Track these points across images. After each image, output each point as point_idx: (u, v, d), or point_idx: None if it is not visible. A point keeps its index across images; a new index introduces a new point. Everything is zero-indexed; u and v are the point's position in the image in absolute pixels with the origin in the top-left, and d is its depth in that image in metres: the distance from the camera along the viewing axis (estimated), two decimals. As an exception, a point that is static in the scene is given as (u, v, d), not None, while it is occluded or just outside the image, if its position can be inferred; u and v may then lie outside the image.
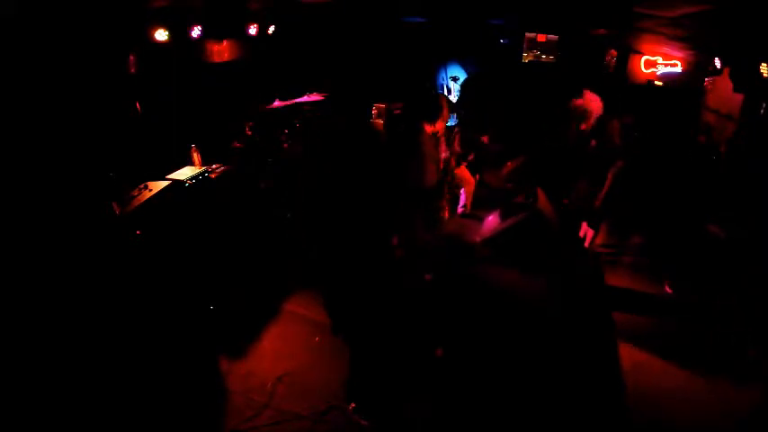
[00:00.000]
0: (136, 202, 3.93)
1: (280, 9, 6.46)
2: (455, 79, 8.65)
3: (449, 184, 5.73)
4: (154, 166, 4.58)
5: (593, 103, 4.48)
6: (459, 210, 6.16)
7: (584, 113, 4.49)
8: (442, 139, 5.19)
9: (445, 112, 3.92)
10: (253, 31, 6.09)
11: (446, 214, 5.87)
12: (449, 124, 7.63)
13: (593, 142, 4.81)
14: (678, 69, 6.47)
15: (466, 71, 8.71)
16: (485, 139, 6.16)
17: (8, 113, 3.38)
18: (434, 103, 3.89)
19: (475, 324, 4.09)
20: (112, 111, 4.55)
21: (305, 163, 5.99)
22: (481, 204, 6.08)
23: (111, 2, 4.10)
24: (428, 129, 3.90)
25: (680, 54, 6.32)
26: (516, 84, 8.06)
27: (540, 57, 8.12)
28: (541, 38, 8.03)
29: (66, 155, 3.76)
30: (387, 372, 3.48)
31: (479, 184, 6.39)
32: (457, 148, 5.71)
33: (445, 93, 8.90)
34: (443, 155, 5.38)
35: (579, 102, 4.50)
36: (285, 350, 3.79)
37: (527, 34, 8.07)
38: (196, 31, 5.15)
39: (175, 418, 3.15)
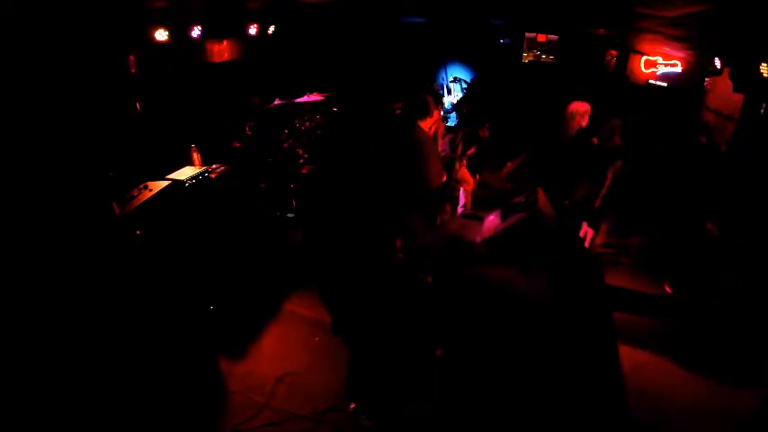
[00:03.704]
0: (136, 202, 3.93)
1: (280, 9, 6.46)
2: (457, 80, 8.66)
3: (453, 187, 5.73)
4: (154, 166, 4.58)
5: (580, 106, 4.77)
6: (460, 210, 6.17)
7: (573, 115, 4.89)
8: (440, 140, 5.20)
9: (431, 103, 3.94)
10: (253, 31, 6.09)
11: (447, 214, 5.87)
12: (449, 124, 7.67)
13: (595, 140, 4.82)
14: (678, 69, 6.47)
15: (466, 71, 8.72)
16: (484, 134, 6.15)
17: (8, 113, 3.37)
18: (422, 101, 3.91)
19: (475, 324, 4.09)
20: (112, 111, 4.55)
21: (307, 163, 5.99)
22: (481, 204, 6.09)
23: (111, 2, 4.10)
24: (426, 125, 3.91)
25: (680, 54, 6.32)
26: (516, 84, 8.07)
27: (540, 57, 8.13)
28: (541, 38, 8.04)
29: (67, 155, 3.76)
30: (387, 372, 3.48)
31: (479, 184, 6.40)
32: (459, 152, 5.71)
33: (445, 93, 8.92)
34: (445, 153, 5.39)
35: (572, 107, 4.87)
36: (285, 350, 3.79)
37: (527, 34, 8.08)
38: (196, 31, 5.15)
39: (176, 418, 3.15)
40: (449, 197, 5.44)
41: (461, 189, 6.08)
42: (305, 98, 6.36)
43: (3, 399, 2.86)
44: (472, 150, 5.94)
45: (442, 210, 4.43)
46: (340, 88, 7.10)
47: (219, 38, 5.90)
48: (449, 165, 5.31)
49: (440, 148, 5.29)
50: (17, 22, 3.32)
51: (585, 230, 5.14)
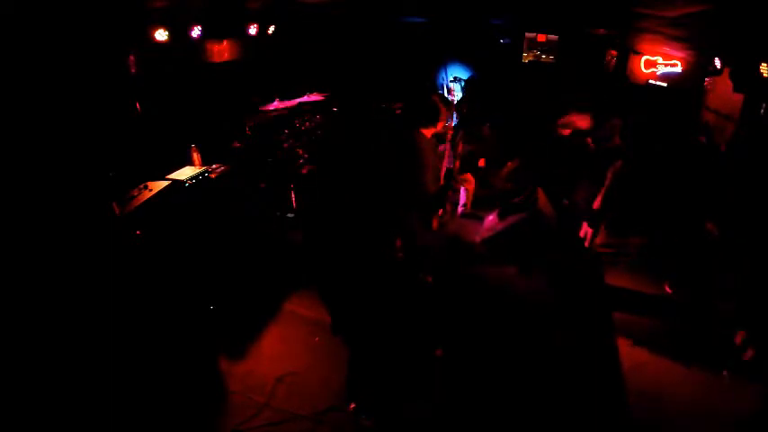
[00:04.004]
0: (136, 202, 3.93)
1: (280, 9, 6.46)
2: (456, 80, 8.66)
3: (452, 189, 5.72)
4: (154, 166, 4.58)
5: (579, 120, 4.75)
6: (460, 209, 6.17)
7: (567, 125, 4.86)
8: (448, 145, 5.19)
9: (443, 112, 3.83)
10: (253, 31, 6.09)
11: (447, 214, 5.88)
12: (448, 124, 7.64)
13: (589, 140, 4.83)
14: (678, 69, 6.47)
15: (466, 71, 8.72)
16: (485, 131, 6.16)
17: (8, 113, 3.38)
18: (431, 107, 3.79)
19: (475, 324, 4.09)
20: (112, 111, 4.55)
21: (307, 163, 5.99)
22: (481, 204, 6.09)
23: (111, 2, 4.10)
24: (428, 132, 3.84)
25: (680, 54, 6.32)
26: (516, 84, 8.07)
27: (540, 57, 8.13)
28: (541, 38, 8.03)
29: (67, 155, 3.76)
30: (387, 372, 3.48)
31: (479, 185, 6.41)
32: (460, 150, 5.71)
33: (445, 93, 8.91)
34: (447, 162, 5.38)
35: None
36: (285, 350, 3.79)
37: (527, 34, 8.08)
38: (196, 31, 5.15)
39: (176, 418, 3.15)
40: (446, 201, 5.43)
41: (462, 189, 6.08)
42: (305, 98, 6.36)
43: (3, 399, 2.86)
44: (482, 162, 5.94)
45: (438, 212, 4.42)
46: (340, 88, 7.10)
47: (219, 38, 5.90)
48: (449, 172, 5.29)
49: (446, 155, 5.27)
50: (17, 22, 3.32)
51: (585, 230, 5.15)
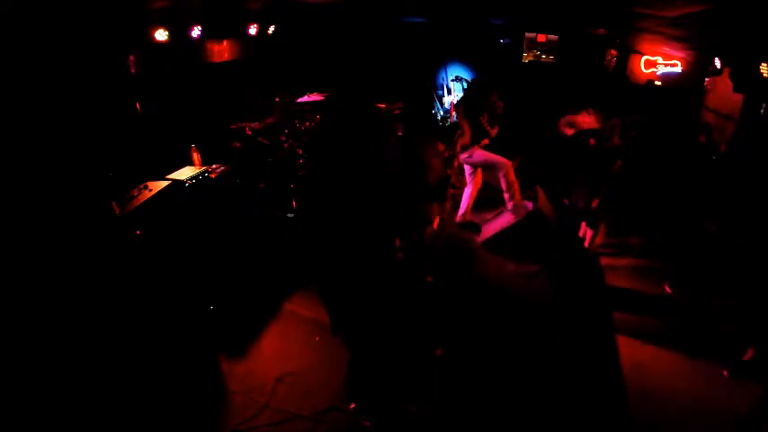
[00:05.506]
0: (136, 202, 3.93)
1: (280, 9, 6.46)
2: (458, 79, 8.65)
3: (452, 187, 5.70)
4: (154, 166, 4.58)
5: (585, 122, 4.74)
6: (458, 217, 6.13)
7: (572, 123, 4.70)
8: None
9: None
10: (253, 31, 6.09)
11: (446, 213, 5.86)
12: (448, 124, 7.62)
13: (592, 141, 4.82)
14: (678, 69, 6.47)
15: (466, 71, 8.72)
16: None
17: (8, 113, 3.38)
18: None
19: (475, 324, 4.09)
20: (112, 111, 4.55)
21: (307, 162, 5.99)
22: (481, 205, 6.08)
23: (111, 2, 4.10)
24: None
25: (680, 54, 6.33)
26: (516, 84, 8.06)
27: (540, 57, 8.13)
28: (541, 38, 8.04)
29: (67, 155, 3.76)
30: (387, 372, 3.48)
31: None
32: (458, 149, 5.70)
33: (445, 93, 8.91)
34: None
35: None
36: (285, 350, 3.79)
37: (527, 34, 8.09)
38: (196, 31, 5.15)
39: (176, 418, 3.15)
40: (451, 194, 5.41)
41: (466, 189, 6.02)
42: (305, 98, 6.36)
43: (3, 399, 2.86)
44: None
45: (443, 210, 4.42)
46: (340, 88, 7.10)
47: (219, 38, 5.90)
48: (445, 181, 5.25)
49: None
50: (17, 22, 3.32)
51: (585, 230, 5.15)
